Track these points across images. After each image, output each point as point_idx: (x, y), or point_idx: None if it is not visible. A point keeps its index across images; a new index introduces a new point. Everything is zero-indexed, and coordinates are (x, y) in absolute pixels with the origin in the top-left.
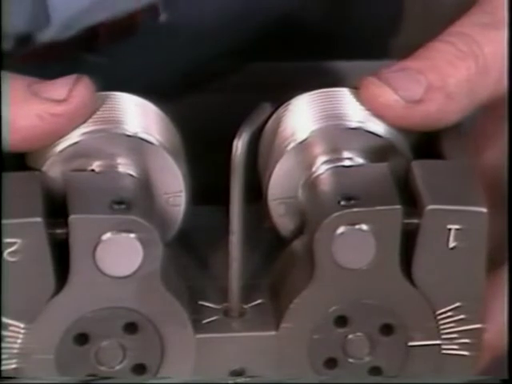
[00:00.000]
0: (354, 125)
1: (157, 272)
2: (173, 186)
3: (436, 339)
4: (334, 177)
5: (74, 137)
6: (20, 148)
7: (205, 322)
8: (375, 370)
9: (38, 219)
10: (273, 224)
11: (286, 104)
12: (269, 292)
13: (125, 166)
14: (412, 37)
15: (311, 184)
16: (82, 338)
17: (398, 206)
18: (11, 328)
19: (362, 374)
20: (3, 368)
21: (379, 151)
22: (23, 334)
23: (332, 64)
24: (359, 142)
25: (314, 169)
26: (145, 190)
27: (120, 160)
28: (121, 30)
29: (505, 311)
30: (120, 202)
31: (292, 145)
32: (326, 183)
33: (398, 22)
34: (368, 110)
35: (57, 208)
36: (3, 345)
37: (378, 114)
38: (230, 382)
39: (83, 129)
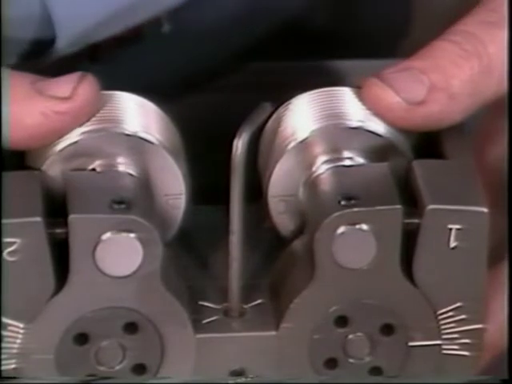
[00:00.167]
0: (354, 124)
1: (157, 272)
2: (173, 187)
3: (437, 339)
4: (334, 176)
5: (74, 136)
6: (25, 146)
7: (205, 321)
8: (376, 370)
9: (38, 219)
10: (273, 224)
11: (286, 103)
12: (269, 292)
13: (125, 166)
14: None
15: (311, 184)
16: (82, 338)
17: (399, 206)
18: (11, 328)
19: (363, 374)
20: (3, 368)
21: (380, 151)
22: (23, 333)
23: (332, 63)
24: (359, 142)
25: (314, 168)
26: (145, 190)
27: (120, 159)
28: (123, 41)
29: (505, 310)
30: (120, 202)
31: (292, 144)
32: (326, 183)
33: (407, 23)
34: (369, 109)
35: (56, 207)
36: (3, 345)
37: (379, 115)
38: (230, 382)
39: (83, 128)
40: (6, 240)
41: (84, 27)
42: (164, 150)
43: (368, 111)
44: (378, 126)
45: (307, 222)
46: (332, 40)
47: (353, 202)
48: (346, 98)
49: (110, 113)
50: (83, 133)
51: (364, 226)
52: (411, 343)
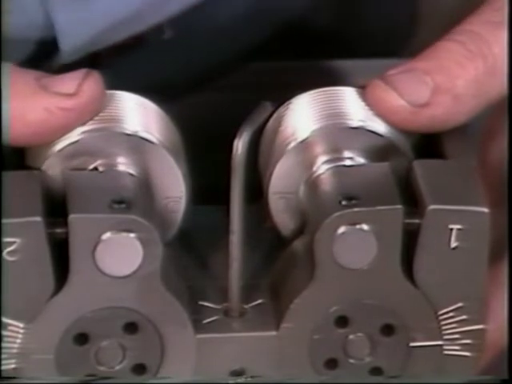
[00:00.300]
0: (355, 124)
1: (157, 272)
2: (173, 188)
3: (437, 340)
4: (334, 176)
5: (74, 135)
6: (28, 143)
7: (205, 322)
8: (376, 371)
9: (38, 218)
10: (273, 223)
11: (286, 103)
12: (269, 292)
13: (125, 165)
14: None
15: (312, 183)
16: (82, 338)
17: (399, 206)
18: (10, 328)
19: (363, 374)
20: (2, 368)
21: (380, 151)
22: (22, 333)
23: (333, 63)
24: (360, 142)
25: (314, 168)
26: (145, 190)
27: (120, 159)
28: (125, 48)
29: (505, 308)
30: (120, 202)
31: (293, 144)
32: (326, 183)
33: (412, 23)
34: (370, 109)
35: (56, 207)
36: (2, 344)
37: (383, 118)
38: (230, 382)
39: (83, 127)
40: (6, 240)
41: (87, 36)
42: (164, 150)
43: (369, 111)
44: (379, 126)
45: (307, 222)
46: (336, 40)
47: (353, 202)
48: (346, 97)
49: (111, 112)
50: (83, 132)
51: (364, 226)
52: (412, 344)
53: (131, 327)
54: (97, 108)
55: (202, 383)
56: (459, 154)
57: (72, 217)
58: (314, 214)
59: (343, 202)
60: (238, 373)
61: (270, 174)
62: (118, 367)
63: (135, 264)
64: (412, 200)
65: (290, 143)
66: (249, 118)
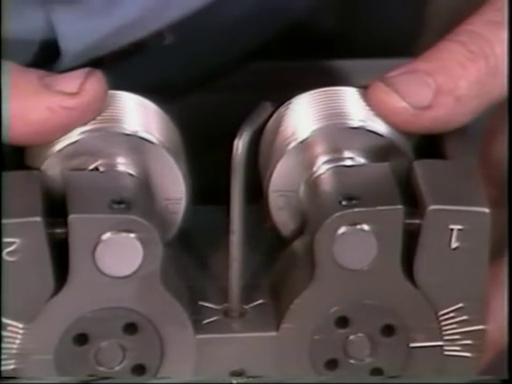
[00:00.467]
0: (355, 124)
1: (157, 272)
2: (173, 189)
3: (438, 340)
4: (335, 176)
5: (74, 136)
6: (30, 142)
7: (205, 322)
8: (376, 371)
9: (38, 219)
10: (273, 222)
11: (286, 103)
12: (269, 292)
13: (125, 166)
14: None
15: (312, 183)
16: (82, 339)
17: (400, 206)
18: (10, 328)
19: (363, 375)
20: (2, 368)
21: (381, 151)
22: (22, 334)
23: (333, 63)
24: (360, 142)
25: (314, 168)
26: (145, 190)
27: (120, 159)
28: (126, 54)
29: (505, 308)
30: (120, 202)
31: (293, 144)
32: (326, 183)
33: (418, 24)
34: (370, 110)
35: (56, 207)
36: (2, 345)
37: (385, 120)
38: (233, 381)
39: (83, 127)
40: (6, 240)
41: (88, 41)
42: (164, 150)
43: (369, 111)
44: (379, 126)
45: (308, 222)
46: (339, 42)
47: (354, 202)
48: (346, 97)
49: (110, 112)
50: (83, 132)
51: (365, 227)
52: (412, 344)
53: (131, 328)
54: (99, 107)
55: (202, 383)
56: (460, 154)
57: (72, 217)
58: (314, 214)
59: (343, 202)
60: (238, 373)
61: (270, 174)
62: (117, 368)
63: (135, 264)
64: (412, 200)
65: (290, 143)
66: (249, 118)
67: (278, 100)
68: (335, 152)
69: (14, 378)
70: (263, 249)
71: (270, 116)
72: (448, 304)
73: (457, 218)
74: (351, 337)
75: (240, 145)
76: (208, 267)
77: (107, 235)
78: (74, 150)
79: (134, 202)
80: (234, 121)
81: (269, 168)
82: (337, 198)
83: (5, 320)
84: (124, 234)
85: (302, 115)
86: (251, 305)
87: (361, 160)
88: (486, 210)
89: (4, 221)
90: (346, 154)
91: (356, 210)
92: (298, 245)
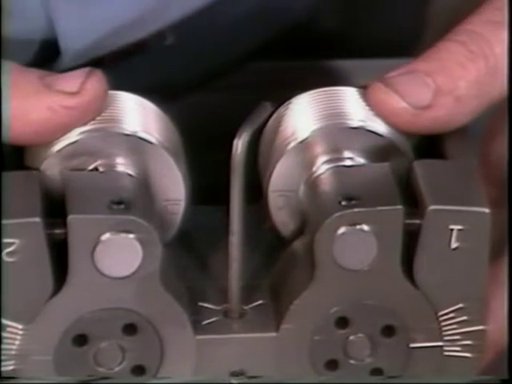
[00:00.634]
0: (355, 124)
1: (156, 272)
2: (172, 189)
3: (438, 341)
4: (334, 177)
5: (73, 136)
6: (30, 141)
7: (205, 323)
8: (376, 372)
9: (37, 219)
10: (273, 223)
11: (286, 103)
12: (269, 293)
13: (124, 166)
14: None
15: (312, 184)
16: (81, 339)
17: (400, 207)
18: (9, 329)
19: (363, 375)
20: (1, 369)
21: (380, 151)
22: (21, 335)
23: (333, 63)
24: (360, 142)
25: (314, 168)
26: (144, 190)
27: (119, 159)
28: (126, 54)
29: (505, 308)
30: (119, 202)
31: (292, 144)
32: (326, 183)
33: (419, 26)
34: (370, 110)
35: (55, 208)
36: (1, 346)
37: (385, 120)
38: (233, 381)
39: (82, 128)
40: (5, 240)
41: (88, 41)
42: (163, 150)
43: (369, 111)
44: (379, 126)
45: (307, 223)
46: (341, 41)
47: (353, 202)
48: (346, 97)
49: (110, 112)
50: (82, 132)
51: (365, 227)
52: (412, 345)
53: (130, 328)
54: (99, 107)
55: (203, 383)
56: (460, 154)
57: (71, 217)
58: (313, 214)
59: (343, 203)
60: (237, 374)
61: (270, 174)
62: (117, 368)
63: (134, 265)
64: (412, 200)
65: (289, 143)
66: (249, 118)
67: (277, 100)
68: (335, 152)
69: (13, 378)
70: (263, 249)
71: (270, 116)
72: (448, 304)
73: (457, 218)
74: (351, 337)
75: (240, 145)
76: (208, 268)
77: (106, 236)
78: (74, 150)
79: (133, 203)
80: (233, 121)
81: (268, 168)
82: (336, 198)
83: (4, 321)
84: (123, 235)
85: (302, 115)
86: (251, 305)
87: (361, 160)
88: (486, 210)
89: (3, 221)
90: (346, 154)
91: (356, 210)
92: (298, 245)
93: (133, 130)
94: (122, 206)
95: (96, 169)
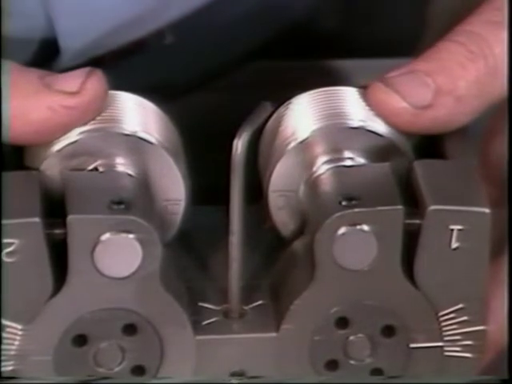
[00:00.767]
0: (355, 124)
1: (156, 273)
2: (172, 189)
3: (438, 341)
4: (334, 177)
5: (73, 136)
6: (30, 141)
7: (205, 323)
8: (377, 372)
9: (36, 219)
10: (273, 223)
11: (286, 103)
12: (269, 293)
13: (124, 166)
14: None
15: (312, 184)
16: (81, 340)
17: (400, 207)
18: (9, 329)
19: (364, 375)
20: (1, 369)
21: (381, 151)
22: (21, 335)
23: (333, 63)
24: (360, 142)
25: (314, 168)
26: (144, 190)
27: (119, 159)
28: (126, 53)
29: (505, 308)
30: (119, 202)
31: (292, 144)
32: (326, 183)
33: (420, 26)
34: (370, 110)
35: (55, 208)
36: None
37: (386, 120)
38: (233, 381)
39: (82, 128)
40: (5, 241)
41: (87, 41)
42: (163, 150)
43: (369, 111)
44: (379, 126)
45: (308, 223)
46: (341, 41)
47: (354, 202)
48: (346, 97)
49: (110, 112)
50: (82, 132)
51: (365, 227)
52: (412, 345)
53: (130, 329)
54: (99, 107)
55: (205, 383)
56: (460, 154)
57: (71, 217)
58: (314, 214)
59: (343, 203)
60: (238, 374)
61: (270, 174)
62: (117, 369)
63: (134, 265)
64: (412, 200)
65: (289, 143)
66: (249, 118)
67: (277, 100)
68: (335, 152)
69: (13, 378)
70: (263, 249)
71: (270, 116)
72: (448, 304)
73: (457, 218)
74: (351, 337)
75: (240, 145)
76: (208, 268)
77: (106, 236)
78: (73, 150)
79: (133, 203)
80: (233, 121)
81: (268, 168)
82: (337, 199)
83: (4, 321)
84: (123, 235)
85: (302, 115)
86: (251, 305)
87: (361, 160)
88: (487, 210)
89: (3, 221)
90: (346, 154)
91: (356, 210)
92: (298, 245)
93: (133, 129)
94: (122, 206)
95: (96, 169)
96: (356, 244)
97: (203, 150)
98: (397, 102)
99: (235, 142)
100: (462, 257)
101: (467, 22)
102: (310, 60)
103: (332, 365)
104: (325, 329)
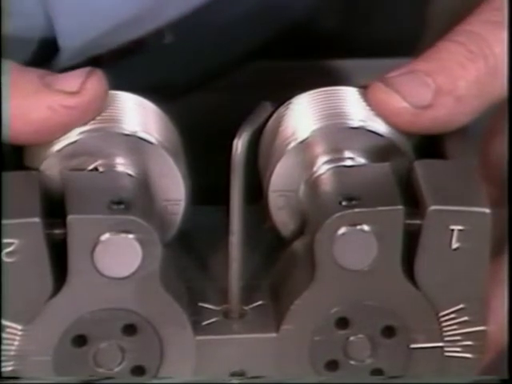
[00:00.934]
0: (355, 124)
1: (156, 273)
2: (172, 190)
3: (439, 341)
4: (335, 177)
5: (73, 136)
6: (30, 141)
7: (205, 323)
8: (377, 372)
9: (36, 219)
10: (273, 223)
11: (286, 103)
12: (269, 293)
13: (124, 166)
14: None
15: (312, 184)
16: (81, 340)
17: (400, 207)
18: (8, 330)
19: (364, 376)
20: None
21: (381, 151)
22: (21, 335)
23: (333, 63)
24: (361, 142)
25: (314, 168)
26: (144, 190)
27: (119, 159)
28: (125, 52)
29: (505, 308)
30: (119, 202)
31: (293, 144)
32: (327, 183)
33: (420, 26)
34: (370, 109)
35: (55, 208)
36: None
37: (386, 120)
38: (234, 381)
39: (81, 128)
40: (5, 241)
41: (87, 39)
42: (163, 150)
43: (369, 111)
44: (380, 126)
45: (308, 223)
46: (341, 41)
47: (354, 202)
48: (347, 97)
49: (109, 112)
50: (82, 132)
51: (365, 227)
52: (413, 345)
53: (130, 329)
54: (100, 107)
55: (205, 383)
56: (460, 154)
57: (70, 217)
58: (314, 214)
59: (343, 203)
60: (238, 374)
61: (270, 174)
62: (116, 369)
63: (134, 265)
64: (413, 200)
65: (290, 143)
66: (249, 118)
67: (277, 100)
68: (335, 152)
69: (14, 378)
70: (263, 249)
71: (270, 116)
72: (449, 305)
73: (457, 218)
74: (351, 338)
75: (240, 145)
76: (208, 268)
77: (106, 236)
78: (73, 150)
79: (133, 203)
80: (233, 121)
81: (268, 168)
82: (337, 199)
83: (4, 321)
84: (123, 235)
85: (302, 115)
86: (251, 306)
87: (361, 160)
88: (487, 211)
89: (3, 221)
90: (346, 154)
91: (356, 210)
92: (298, 245)
93: (132, 129)
94: (122, 206)
95: (96, 169)
96: (356, 244)
97: (203, 150)
98: (397, 102)
99: (235, 142)
100: (463, 257)
101: (467, 21)
102: (310, 60)
103: (332, 365)
104: (325, 329)
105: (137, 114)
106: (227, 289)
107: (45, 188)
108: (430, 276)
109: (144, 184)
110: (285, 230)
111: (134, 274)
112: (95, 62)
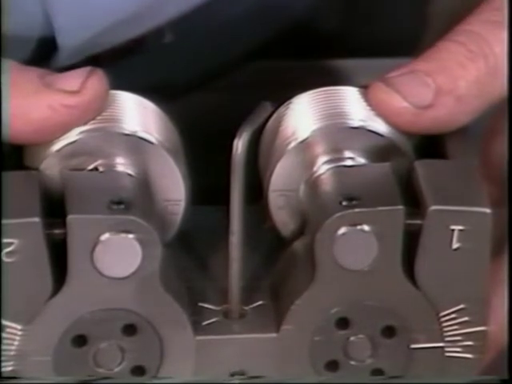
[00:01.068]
0: (355, 124)
1: (156, 273)
2: (172, 190)
3: (439, 342)
4: (335, 177)
5: (73, 135)
6: (30, 140)
7: (205, 323)
8: (377, 373)
9: (36, 219)
10: (273, 223)
11: (286, 103)
12: (269, 293)
13: (124, 166)
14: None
15: (312, 184)
16: (81, 340)
17: (401, 207)
18: (8, 330)
19: (364, 376)
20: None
21: (381, 151)
22: (20, 335)
23: (334, 63)
24: (361, 142)
25: (315, 168)
26: (144, 190)
27: (119, 159)
28: (125, 52)
29: (505, 308)
30: (119, 202)
31: (293, 144)
32: (327, 183)
33: (420, 26)
34: (370, 109)
35: (54, 208)
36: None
37: (386, 120)
38: (234, 381)
39: (81, 127)
40: (4, 240)
41: (86, 37)
42: (163, 150)
43: (369, 111)
44: (380, 126)
45: (308, 223)
46: (341, 41)
47: (354, 202)
48: (347, 97)
49: (109, 112)
50: (82, 132)
51: (365, 227)
52: (413, 345)
53: (130, 329)
54: (100, 106)
55: (206, 383)
56: (460, 154)
57: (70, 217)
58: (314, 214)
59: (344, 203)
60: (238, 374)
61: (270, 174)
62: (116, 369)
63: (134, 265)
64: (413, 200)
65: (290, 143)
66: (249, 118)
67: (277, 100)
68: (335, 152)
69: (13, 378)
70: (263, 249)
71: (270, 116)
72: (449, 305)
73: (458, 218)
74: (352, 338)
75: (240, 145)
76: (208, 268)
77: (106, 236)
78: (73, 150)
79: (133, 203)
80: (233, 121)
81: (269, 168)
82: (337, 199)
83: (3, 321)
84: (123, 235)
85: (302, 115)
86: (251, 306)
87: (361, 160)
88: (487, 211)
89: (3, 221)
90: (347, 154)
91: (356, 210)
92: (298, 245)
93: (133, 129)
94: (122, 206)
95: (96, 169)
96: (356, 244)
97: (203, 150)
98: (397, 102)
99: (235, 142)
100: (463, 257)
101: (467, 21)
102: (310, 60)
103: (332, 365)
104: (325, 329)
105: (137, 113)
106: (227, 289)
107: (45, 188)
108: (431, 276)
109: (144, 184)
110: (285, 230)
111: (133, 274)
112: (94, 61)
